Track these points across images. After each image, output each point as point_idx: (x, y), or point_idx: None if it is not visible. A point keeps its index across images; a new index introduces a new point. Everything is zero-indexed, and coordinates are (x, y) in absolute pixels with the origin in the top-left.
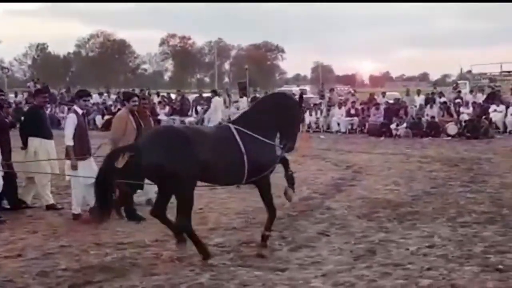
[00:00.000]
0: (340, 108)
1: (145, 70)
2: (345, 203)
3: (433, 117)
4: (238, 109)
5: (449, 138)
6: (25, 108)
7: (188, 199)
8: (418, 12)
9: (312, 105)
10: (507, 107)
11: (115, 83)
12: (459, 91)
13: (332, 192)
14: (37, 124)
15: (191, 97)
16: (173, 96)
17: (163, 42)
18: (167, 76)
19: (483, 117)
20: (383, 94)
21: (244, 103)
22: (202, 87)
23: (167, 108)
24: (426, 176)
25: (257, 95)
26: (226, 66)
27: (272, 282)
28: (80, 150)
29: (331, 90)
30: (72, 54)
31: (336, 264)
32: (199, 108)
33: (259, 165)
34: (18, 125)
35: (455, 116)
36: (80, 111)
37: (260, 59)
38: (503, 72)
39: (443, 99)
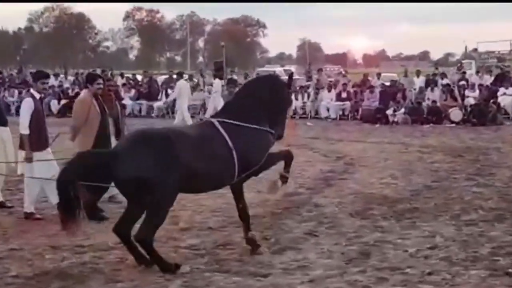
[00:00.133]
0: (329, 91)
1: (107, 48)
2: (336, 199)
3: (434, 102)
4: (210, 93)
5: (453, 125)
6: None
7: (163, 215)
8: None
9: (298, 87)
10: None
11: (73, 62)
12: (464, 72)
13: (320, 187)
14: None
15: (160, 78)
16: (139, 77)
17: (127, 16)
18: (132, 54)
19: (491, 101)
20: (378, 75)
21: (218, 86)
22: (172, 67)
23: (133, 91)
24: (427, 168)
25: (234, 76)
26: (200, 43)
27: None
28: (36, 140)
29: (320, 70)
30: (24, 30)
31: (325, 268)
32: (169, 91)
33: (250, 157)
34: None
35: (459, 100)
36: (37, 95)
37: (239, 36)
38: None
39: (445, 81)
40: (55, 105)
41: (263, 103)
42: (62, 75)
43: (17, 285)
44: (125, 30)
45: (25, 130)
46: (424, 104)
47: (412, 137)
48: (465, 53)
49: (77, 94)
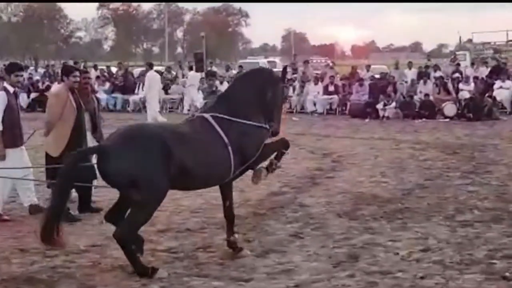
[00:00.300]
0: (316, 84)
1: (80, 38)
2: (323, 198)
3: (427, 95)
4: (184, 86)
5: (447, 120)
6: None
7: (148, 215)
8: None
9: None
10: None
11: (44, 54)
12: (458, 64)
13: (307, 186)
14: None
15: (136, 71)
16: (114, 69)
17: (102, 5)
18: (107, 45)
19: (487, 95)
20: (368, 67)
21: (194, 79)
22: (149, 59)
23: (107, 84)
24: (420, 166)
25: (214, 68)
26: (179, 33)
27: None
28: (10, 136)
29: (306, 62)
30: None
31: (311, 272)
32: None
33: (246, 153)
34: None
35: (453, 93)
36: (11, 89)
37: (220, 26)
38: (509, 41)
39: (439, 74)
40: (24, 99)
41: (257, 97)
42: (32, 67)
43: None
44: (99, 20)
45: None
46: (416, 97)
47: (404, 132)
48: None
49: (48, 87)
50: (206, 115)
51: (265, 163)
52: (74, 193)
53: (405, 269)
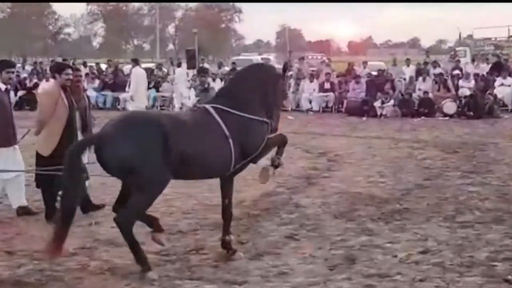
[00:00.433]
0: (311, 81)
1: (69, 34)
2: (319, 199)
3: (426, 93)
4: (172, 83)
5: (446, 118)
6: None
7: (151, 200)
8: None
9: None
10: None
11: (32, 50)
12: (458, 61)
13: (302, 186)
14: None
15: (126, 68)
16: (103, 66)
17: (91, 1)
18: (96, 42)
19: (487, 92)
20: (365, 64)
21: (182, 76)
22: (140, 56)
23: (97, 81)
24: (418, 165)
25: (206, 65)
26: (171, 30)
27: None
28: (2, 135)
29: (301, 59)
30: None
31: (307, 275)
32: None
33: (247, 146)
34: None
35: (453, 91)
36: (2, 87)
37: (212, 22)
38: (511, 37)
39: (438, 70)
40: (11, 97)
41: (258, 92)
42: (19, 65)
43: None
44: (88, 16)
45: None
46: (414, 95)
47: (402, 131)
48: (459, 40)
49: (36, 85)
50: (208, 106)
51: (267, 161)
52: None
53: (404, 272)
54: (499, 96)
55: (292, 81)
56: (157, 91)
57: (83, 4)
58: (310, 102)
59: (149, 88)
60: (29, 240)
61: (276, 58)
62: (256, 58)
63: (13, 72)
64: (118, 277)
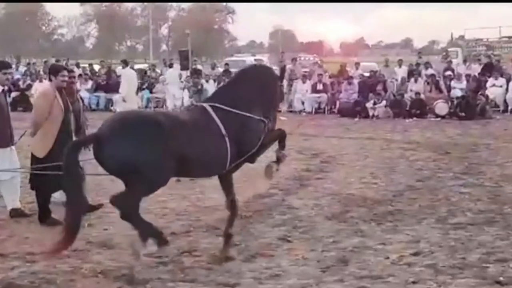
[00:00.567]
0: (304, 82)
1: (62, 35)
2: (311, 200)
3: (418, 93)
4: (163, 83)
5: (438, 119)
6: None
7: (148, 191)
8: None
9: None
10: (507, 81)
11: (25, 51)
12: (450, 61)
13: (295, 187)
14: None
15: (119, 69)
16: (96, 67)
17: (84, 1)
18: (89, 43)
19: (479, 93)
20: (357, 65)
21: (173, 77)
22: (134, 57)
23: (90, 82)
24: (411, 166)
25: (199, 66)
26: (164, 30)
27: None
28: (1, 136)
29: (293, 60)
30: None
31: (299, 277)
32: None
33: (243, 145)
34: None
35: (445, 92)
36: (0, 88)
37: (205, 23)
38: (502, 37)
39: (430, 71)
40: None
41: (256, 93)
42: (13, 66)
43: None
44: (81, 16)
45: None
46: (406, 96)
47: (394, 132)
48: (451, 40)
49: (29, 86)
50: (205, 104)
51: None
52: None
53: (396, 274)
54: (491, 96)
55: (285, 82)
56: (151, 92)
57: (77, 5)
58: (303, 103)
59: (142, 89)
60: (22, 242)
61: (269, 59)
62: (250, 59)
63: (10, 73)
64: (110, 279)
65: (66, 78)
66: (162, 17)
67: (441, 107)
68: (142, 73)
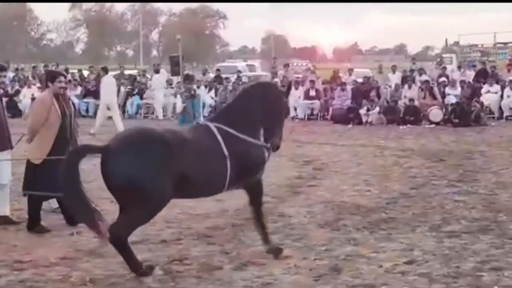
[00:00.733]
0: (297, 88)
1: (51, 40)
2: (304, 208)
3: (412, 100)
4: (150, 89)
5: (433, 125)
6: None
7: (148, 217)
8: None
9: None
10: (502, 88)
11: (14, 56)
12: (444, 67)
13: (287, 195)
14: None
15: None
16: (85, 73)
17: (73, 6)
18: (79, 48)
19: (474, 99)
20: (350, 71)
21: (160, 82)
22: (124, 62)
23: (79, 88)
24: (404, 173)
25: (189, 72)
26: (154, 36)
27: None
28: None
29: (286, 66)
30: None
31: (291, 285)
32: (122, 89)
33: (244, 170)
34: None
35: (439, 98)
36: None
37: (197, 28)
38: (497, 43)
39: (424, 78)
40: None
41: (261, 112)
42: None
43: None
44: (70, 21)
45: None
46: (400, 102)
47: (388, 139)
48: (445, 46)
49: (17, 92)
50: (211, 125)
51: None
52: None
53: (390, 282)
54: (485, 103)
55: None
56: (141, 98)
57: (66, 9)
58: (295, 109)
59: (132, 95)
60: (9, 250)
61: (261, 64)
62: (241, 64)
63: (5, 76)
64: (100, 287)
65: (63, 84)
66: (153, 22)
67: (436, 113)
68: (132, 79)
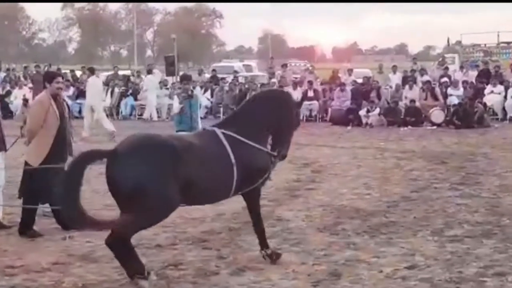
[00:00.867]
0: (295, 89)
1: (43, 40)
2: (302, 212)
3: (413, 101)
4: (142, 90)
5: (434, 127)
6: None
7: (152, 222)
8: None
9: (259, 85)
10: (506, 88)
11: (5, 56)
12: (446, 68)
13: (285, 198)
14: None
15: (103, 75)
16: (78, 73)
17: (66, 5)
18: (71, 48)
19: (477, 100)
20: (350, 71)
21: (153, 83)
22: (117, 62)
23: (72, 89)
24: (405, 176)
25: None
26: (149, 35)
27: None
28: None
29: (284, 66)
30: None
31: None
32: (116, 89)
33: (250, 177)
34: None
35: (441, 99)
36: None
37: (192, 27)
38: (501, 43)
39: (425, 78)
40: None
41: (271, 120)
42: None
43: None
44: (63, 20)
45: None
46: (401, 103)
47: (388, 141)
48: (447, 46)
49: (8, 92)
50: (218, 131)
51: None
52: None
53: None
54: (489, 104)
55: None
56: (135, 99)
57: (58, 8)
58: None
59: (126, 96)
60: (0, 255)
61: (258, 64)
62: (238, 65)
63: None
64: None
65: (61, 85)
66: (147, 22)
67: (437, 115)
68: (125, 80)
